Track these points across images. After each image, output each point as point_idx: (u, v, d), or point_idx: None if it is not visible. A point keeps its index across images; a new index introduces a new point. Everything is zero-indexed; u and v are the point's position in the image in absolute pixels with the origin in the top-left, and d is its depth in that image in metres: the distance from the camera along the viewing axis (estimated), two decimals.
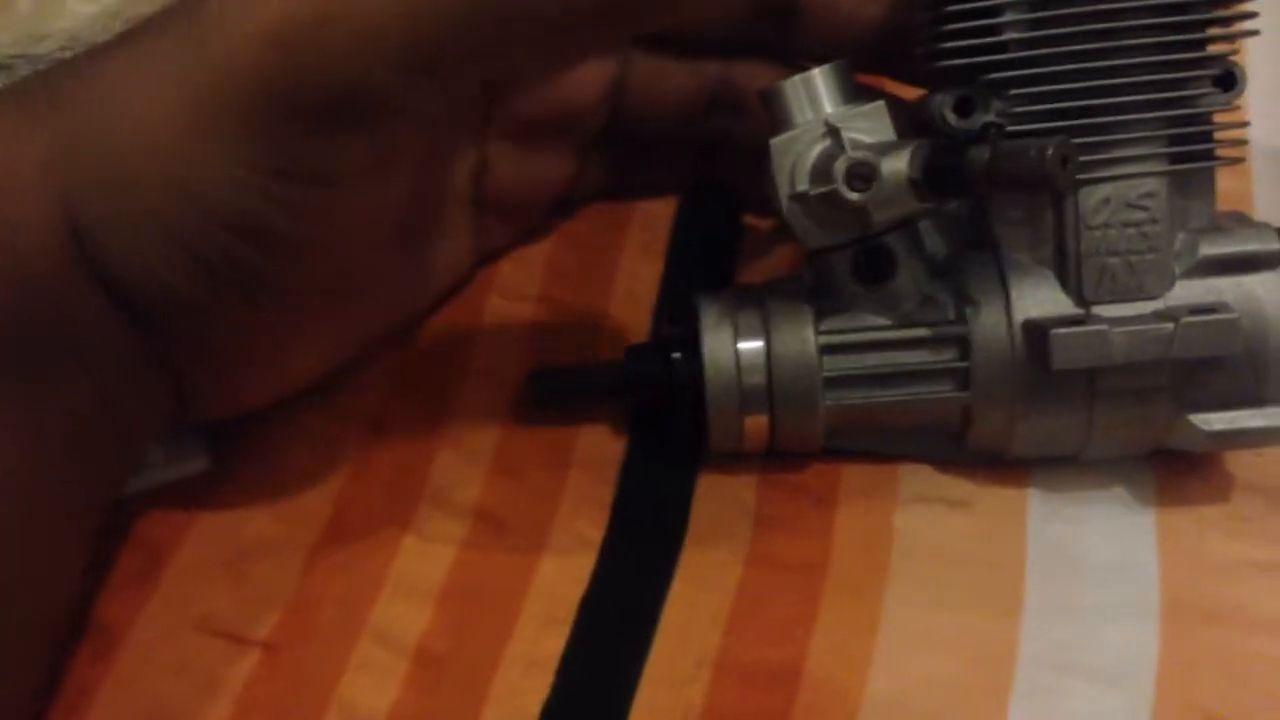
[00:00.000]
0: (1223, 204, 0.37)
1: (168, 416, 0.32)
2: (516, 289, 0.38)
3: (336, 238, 0.29)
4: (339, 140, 0.27)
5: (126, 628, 0.32)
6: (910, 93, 0.35)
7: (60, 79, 0.28)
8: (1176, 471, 0.34)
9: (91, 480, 0.31)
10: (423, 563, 0.33)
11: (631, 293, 0.38)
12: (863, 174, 0.30)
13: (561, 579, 0.33)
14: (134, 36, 0.28)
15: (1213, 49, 0.31)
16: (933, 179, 0.29)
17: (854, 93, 0.32)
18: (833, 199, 0.30)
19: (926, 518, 0.34)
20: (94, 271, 0.28)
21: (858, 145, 0.30)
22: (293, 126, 0.27)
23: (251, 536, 0.33)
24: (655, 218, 0.39)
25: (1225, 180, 0.40)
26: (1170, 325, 0.30)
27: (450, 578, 0.33)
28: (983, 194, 0.31)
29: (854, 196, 0.30)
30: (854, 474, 0.34)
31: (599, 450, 0.35)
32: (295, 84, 0.26)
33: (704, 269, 0.38)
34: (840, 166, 0.30)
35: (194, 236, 0.27)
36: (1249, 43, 0.45)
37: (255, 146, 0.27)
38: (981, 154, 0.28)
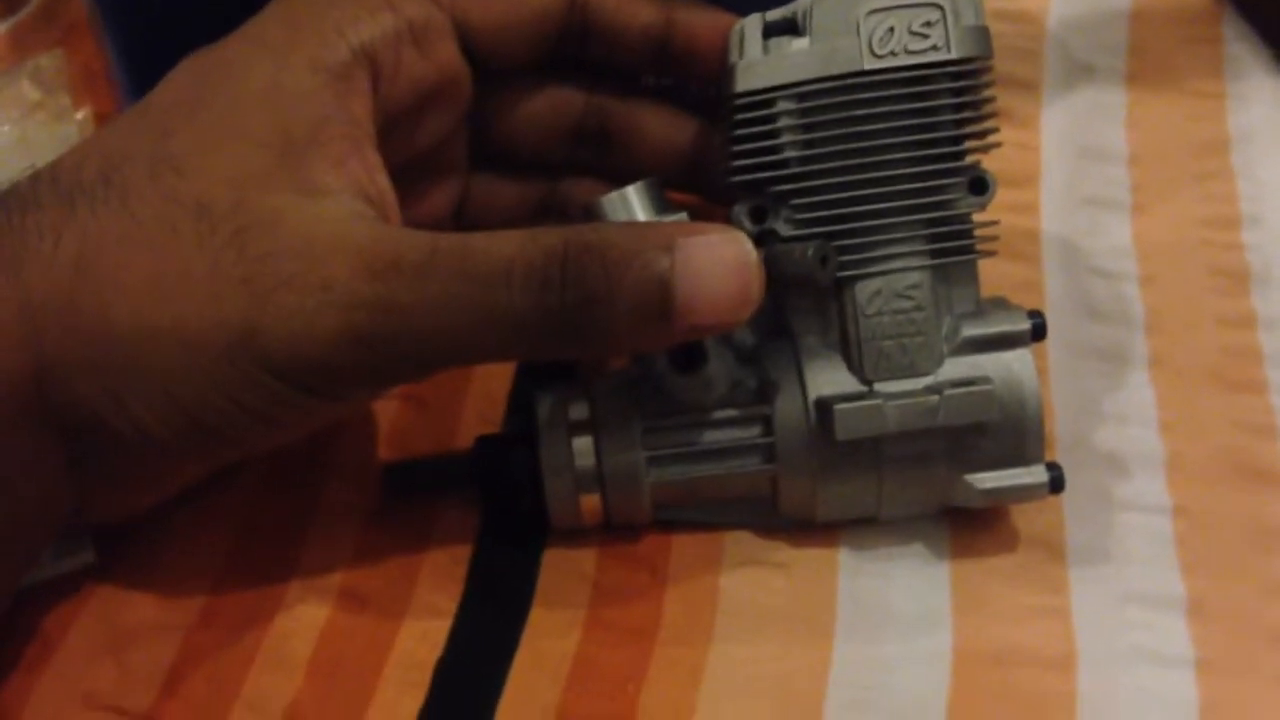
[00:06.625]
0: (1015, 290, 0.41)
1: (64, 521, 0.35)
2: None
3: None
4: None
5: (20, 708, 0.35)
6: None
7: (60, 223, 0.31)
8: (969, 528, 0.38)
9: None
10: (291, 639, 0.36)
11: (488, 390, 0.42)
12: None
13: (419, 646, 0.36)
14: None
15: (970, 159, 0.36)
16: None
17: (664, 205, 0.36)
18: None
19: (748, 579, 0.37)
20: (48, 410, 0.31)
21: None
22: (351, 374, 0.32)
23: (133, 621, 0.36)
24: None
25: (1019, 269, 0.45)
26: (936, 397, 0.34)
27: (317, 650, 0.36)
28: (773, 289, 0.36)
29: None
30: (684, 543, 0.38)
31: (454, 531, 0.38)
32: (372, 356, 0.31)
33: (550, 367, 0.42)
34: None
35: (195, 405, 0.31)
36: (1043, 147, 0.50)
37: (294, 376, 0.31)
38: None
